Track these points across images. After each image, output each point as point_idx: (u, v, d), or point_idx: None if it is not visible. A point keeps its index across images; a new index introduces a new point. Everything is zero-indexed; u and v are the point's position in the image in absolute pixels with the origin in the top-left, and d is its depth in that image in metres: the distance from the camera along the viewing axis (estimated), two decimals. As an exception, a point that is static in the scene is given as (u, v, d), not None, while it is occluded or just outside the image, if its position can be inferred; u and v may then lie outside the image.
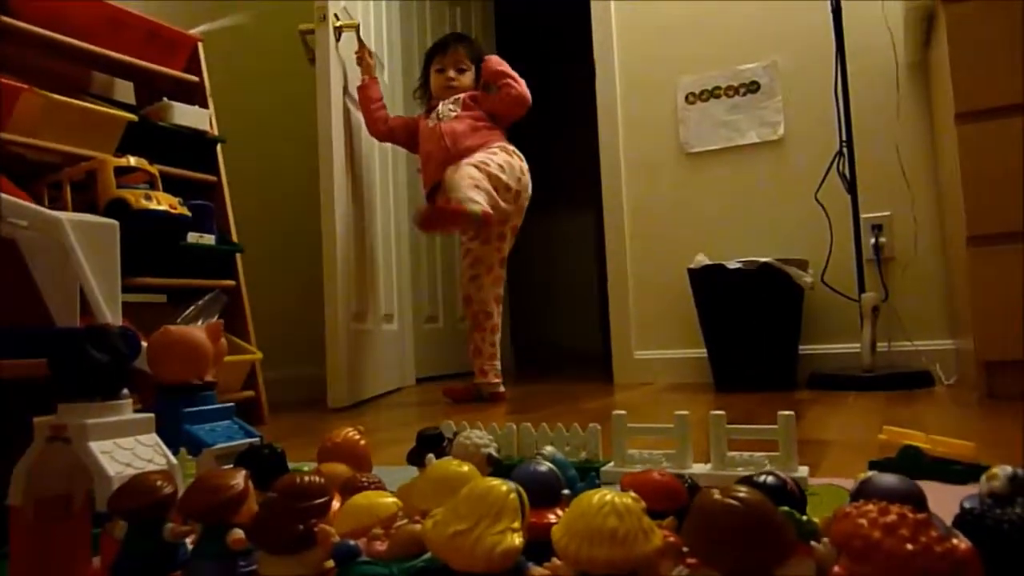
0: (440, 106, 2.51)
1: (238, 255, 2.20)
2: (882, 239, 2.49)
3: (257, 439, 0.81)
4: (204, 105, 2.20)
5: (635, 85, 2.87)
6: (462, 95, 2.52)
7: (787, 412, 0.90)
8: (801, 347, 2.45)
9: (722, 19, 2.73)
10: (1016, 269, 1.84)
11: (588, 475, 0.81)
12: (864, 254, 2.39)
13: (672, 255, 2.71)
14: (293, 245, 2.85)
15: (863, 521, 0.38)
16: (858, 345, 2.32)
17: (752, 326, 2.37)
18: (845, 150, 2.37)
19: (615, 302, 2.85)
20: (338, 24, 2.49)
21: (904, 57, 2.43)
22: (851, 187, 2.36)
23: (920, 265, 2.44)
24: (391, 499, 0.62)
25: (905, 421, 1.46)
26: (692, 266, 2.50)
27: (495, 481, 0.50)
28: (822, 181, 2.44)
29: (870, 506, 0.39)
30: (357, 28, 2.57)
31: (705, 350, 2.52)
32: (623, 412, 1.01)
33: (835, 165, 2.40)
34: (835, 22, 2.37)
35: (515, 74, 2.48)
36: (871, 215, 2.47)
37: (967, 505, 0.43)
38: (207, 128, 2.17)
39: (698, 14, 2.77)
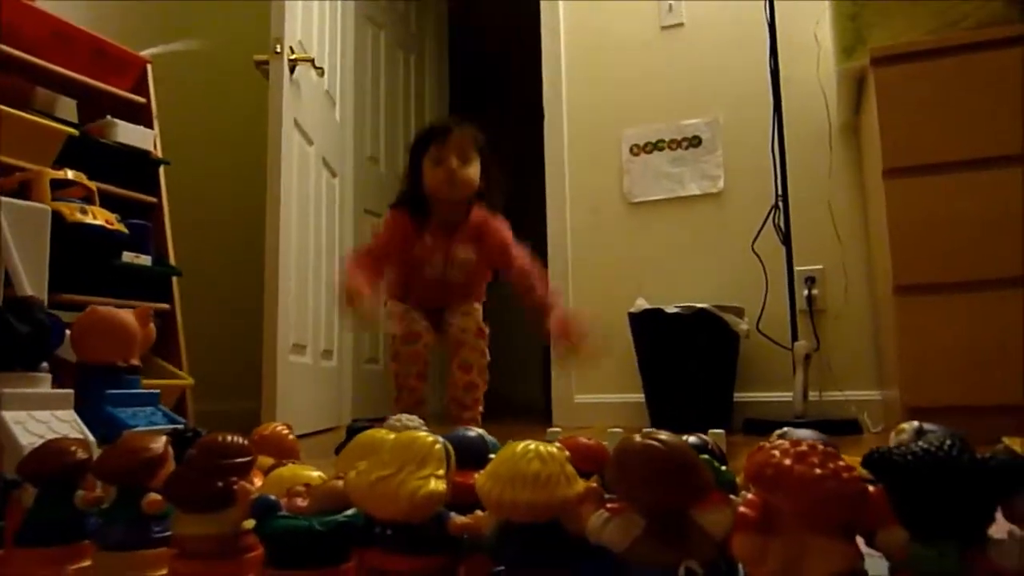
0: (459, 251, 2.00)
1: (175, 278, 2.16)
2: (815, 290, 2.57)
3: (181, 425, 0.79)
4: (150, 126, 2.18)
5: (582, 135, 2.95)
6: (470, 220, 2.02)
7: (718, 431, 0.91)
8: (736, 394, 2.50)
9: (668, 75, 2.84)
10: (940, 318, 1.92)
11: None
12: (797, 304, 2.46)
13: (614, 300, 2.75)
14: (232, 273, 2.81)
15: (775, 452, 0.39)
16: (790, 393, 2.37)
17: (689, 370, 2.40)
18: (780, 204, 2.46)
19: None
20: (292, 57, 2.51)
21: (836, 118, 2.56)
22: (786, 239, 2.45)
23: (850, 317, 2.53)
24: (316, 472, 0.61)
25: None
26: (632, 310, 2.54)
27: (422, 433, 0.50)
28: (758, 233, 2.53)
29: (782, 441, 0.41)
30: (312, 61, 2.59)
31: (643, 394, 2.54)
32: (557, 428, 1.01)
33: (771, 218, 2.49)
34: (773, 83, 2.49)
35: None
36: (804, 267, 2.55)
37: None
38: (151, 148, 2.15)
39: (645, 69, 2.87)
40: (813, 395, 2.41)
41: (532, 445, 0.46)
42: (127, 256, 1.94)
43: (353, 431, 0.81)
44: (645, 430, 0.44)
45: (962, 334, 1.89)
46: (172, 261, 2.16)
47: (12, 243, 0.81)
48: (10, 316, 0.70)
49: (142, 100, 2.20)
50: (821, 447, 0.39)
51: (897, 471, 0.39)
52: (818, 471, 0.38)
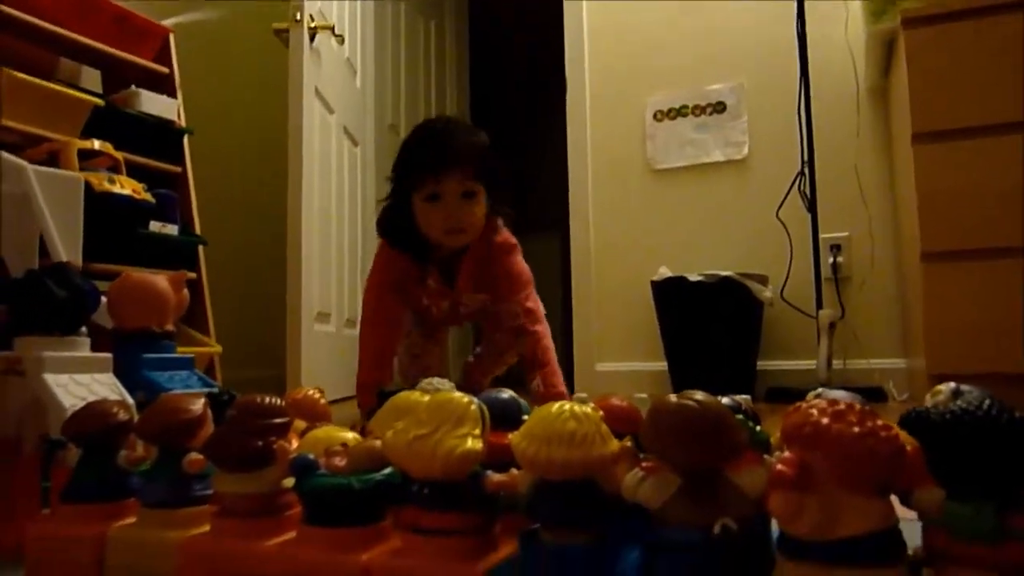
0: (467, 300, 1.68)
1: (201, 248, 2.18)
2: (840, 258, 2.55)
3: (215, 388, 0.80)
4: (173, 96, 2.19)
5: (605, 102, 2.92)
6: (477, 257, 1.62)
7: (743, 396, 0.91)
8: (759, 362, 2.49)
9: (692, 40, 2.80)
10: (967, 285, 1.90)
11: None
12: (822, 272, 2.44)
13: (636, 268, 2.74)
14: (257, 242, 2.83)
15: (813, 411, 0.39)
16: (814, 361, 2.36)
17: (712, 338, 2.40)
18: (806, 170, 2.43)
19: (579, 314, 2.87)
20: (312, 25, 2.50)
21: (865, 82, 2.51)
22: (811, 206, 2.42)
23: (876, 284, 2.50)
24: (351, 434, 0.62)
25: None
26: (655, 278, 2.53)
27: (458, 393, 0.50)
28: (783, 200, 2.50)
29: (819, 400, 0.41)
30: (332, 29, 2.58)
31: (665, 362, 2.55)
32: (583, 394, 1.02)
33: (796, 185, 2.46)
34: (800, 46, 2.44)
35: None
36: (830, 235, 2.53)
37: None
38: (174, 118, 2.16)
39: (669, 34, 2.83)
40: (837, 363, 2.40)
41: (567, 405, 0.47)
42: (154, 226, 1.96)
43: (385, 395, 0.82)
44: (683, 392, 0.44)
45: (989, 302, 1.87)
46: (197, 230, 2.18)
47: (47, 211, 0.82)
48: (48, 281, 0.72)
49: (165, 70, 2.20)
50: (859, 406, 0.39)
51: (935, 430, 0.39)
52: (856, 429, 0.38)
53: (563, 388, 1.61)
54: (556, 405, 0.47)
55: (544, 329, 1.63)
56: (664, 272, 2.53)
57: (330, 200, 2.70)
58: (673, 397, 0.44)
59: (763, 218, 2.59)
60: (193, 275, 2.14)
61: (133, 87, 2.07)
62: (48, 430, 0.69)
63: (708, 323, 2.41)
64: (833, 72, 2.55)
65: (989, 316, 1.87)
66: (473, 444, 0.47)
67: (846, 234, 2.55)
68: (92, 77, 2.23)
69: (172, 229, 2.03)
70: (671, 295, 2.48)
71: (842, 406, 0.39)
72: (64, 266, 0.74)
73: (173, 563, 0.53)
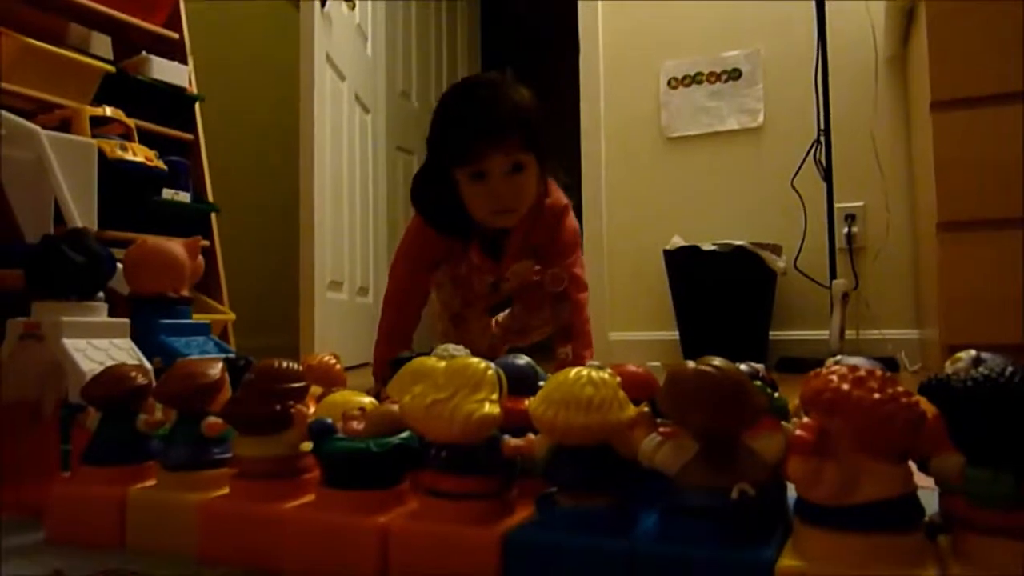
0: (514, 269, 1.55)
1: (213, 215, 2.18)
2: (855, 228, 2.53)
3: (232, 354, 0.81)
4: (183, 62, 2.17)
5: (619, 68, 2.88)
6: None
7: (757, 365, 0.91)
8: (772, 332, 2.49)
9: (708, 5, 2.75)
10: (984, 256, 1.88)
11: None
12: (837, 242, 2.42)
13: (649, 237, 2.73)
14: (269, 210, 2.83)
15: (833, 376, 0.39)
16: (827, 331, 2.35)
17: (725, 308, 2.39)
18: (823, 139, 2.40)
19: (591, 283, 2.86)
20: (324, -10, 2.48)
21: (884, 50, 2.47)
22: (827, 176, 2.39)
23: (890, 255, 2.48)
24: (368, 398, 0.62)
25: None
26: (668, 248, 2.52)
27: (475, 359, 0.50)
28: (798, 169, 2.47)
29: (839, 367, 0.40)
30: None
31: (677, 332, 2.54)
32: (596, 362, 1.02)
33: (812, 154, 2.43)
34: (818, 13, 2.40)
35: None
36: (845, 204, 2.50)
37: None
38: (185, 85, 2.15)
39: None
40: (850, 334, 2.39)
41: (584, 371, 0.47)
42: (167, 193, 1.96)
43: (400, 361, 0.83)
44: (701, 358, 0.44)
45: (1006, 273, 1.85)
46: (209, 198, 2.18)
47: (61, 177, 0.82)
48: (65, 247, 0.72)
49: (175, 36, 2.19)
50: (879, 372, 0.39)
51: (957, 397, 0.39)
52: (876, 395, 0.38)
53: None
54: (574, 371, 0.47)
55: (586, 298, 1.56)
56: (677, 241, 2.51)
57: (342, 168, 2.69)
58: (691, 363, 0.44)
59: (778, 187, 2.57)
60: (206, 243, 2.14)
61: (144, 53, 2.05)
62: (67, 394, 0.70)
63: (721, 293, 2.41)
64: (851, 40, 2.51)
65: (1006, 287, 1.85)
66: (491, 409, 0.47)
67: (861, 204, 2.53)
68: (102, 43, 2.22)
69: (185, 197, 2.03)
70: (684, 265, 2.47)
71: (862, 372, 0.39)
72: (81, 231, 0.74)
73: (193, 525, 0.54)
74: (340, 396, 0.62)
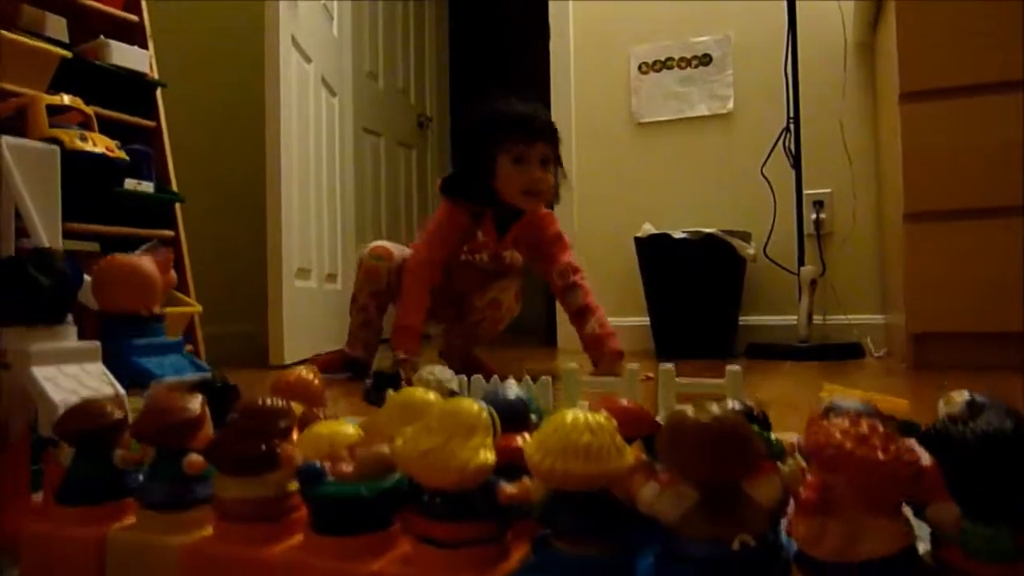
0: (507, 254, 2.05)
1: (177, 205, 2.13)
2: (822, 215, 2.56)
3: (208, 373, 0.79)
4: (144, 46, 2.11)
5: (589, 52, 2.86)
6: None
7: (734, 367, 0.91)
8: (741, 318, 2.51)
9: (677, -10, 2.74)
10: (948, 244, 1.92)
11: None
12: (805, 229, 2.45)
13: (619, 224, 2.74)
14: (235, 197, 2.78)
15: (836, 433, 0.39)
16: (795, 317, 2.38)
17: (695, 295, 2.41)
18: (792, 126, 2.42)
19: (561, 269, 2.86)
20: (288, -29, 2.41)
21: (853, 37, 2.48)
22: (796, 163, 2.41)
23: (857, 240, 2.52)
24: (352, 429, 0.61)
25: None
26: (639, 235, 2.53)
27: (467, 400, 0.49)
28: (768, 156, 2.49)
29: (841, 419, 0.40)
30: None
31: (648, 319, 2.56)
32: (575, 365, 1.02)
33: (781, 141, 2.45)
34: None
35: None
36: (813, 191, 2.53)
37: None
38: (146, 70, 2.08)
39: (654, -17, 2.77)
40: (817, 319, 2.43)
41: (581, 416, 0.46)
42: (129, 183, 1.91)
43: (383, 378, 0.81)
44: (695, 403, 0.44)
45: (969, 261, 1.89)
46: (174, 187, 2.13)
47: (23, 188, 0.78)
48: (31, 268, 0.69)
49: (134, 19, 2.12)
50: (880, 428, 0.39)
51: (956, 452, 0.39)
52: (880, 455, 0.37)
53: (611, 329, 1.95)
54: (570, 415, 0.46)
55: (584, 277, 1.99)
56: (648, 229, 2.52)
57: (308, 152, 2.65)
58: (689, 411, 0.43)
59: (747, 174, 2.59)
60: (170, 233, 2.10)
61: (102, 37, 1.99)
62: (34, 417, 0.67)
63: (691, 279, 2.42)
64: (821, 26, 2.52)
65: (969, 275, 1.89)
66: (485, 456, 0.46)
67: (829, 191, 2.56)
68: (57, 26, 2.14)
69: (148, 187, 1.98)
70: (654, 252, 2.48)
71: (864, 428, 0.39)
72: (47, 251, 0.71)
73: (176, 568, 0.53)
74: (326, 428, 0.60)
